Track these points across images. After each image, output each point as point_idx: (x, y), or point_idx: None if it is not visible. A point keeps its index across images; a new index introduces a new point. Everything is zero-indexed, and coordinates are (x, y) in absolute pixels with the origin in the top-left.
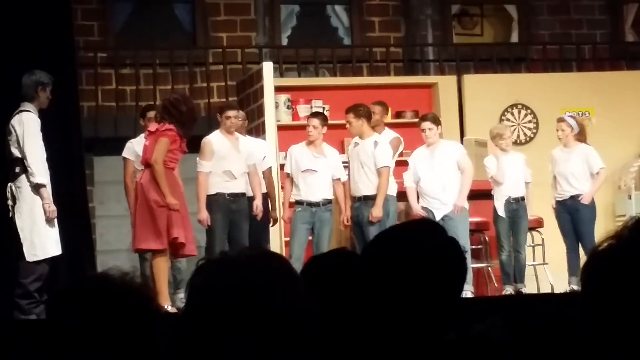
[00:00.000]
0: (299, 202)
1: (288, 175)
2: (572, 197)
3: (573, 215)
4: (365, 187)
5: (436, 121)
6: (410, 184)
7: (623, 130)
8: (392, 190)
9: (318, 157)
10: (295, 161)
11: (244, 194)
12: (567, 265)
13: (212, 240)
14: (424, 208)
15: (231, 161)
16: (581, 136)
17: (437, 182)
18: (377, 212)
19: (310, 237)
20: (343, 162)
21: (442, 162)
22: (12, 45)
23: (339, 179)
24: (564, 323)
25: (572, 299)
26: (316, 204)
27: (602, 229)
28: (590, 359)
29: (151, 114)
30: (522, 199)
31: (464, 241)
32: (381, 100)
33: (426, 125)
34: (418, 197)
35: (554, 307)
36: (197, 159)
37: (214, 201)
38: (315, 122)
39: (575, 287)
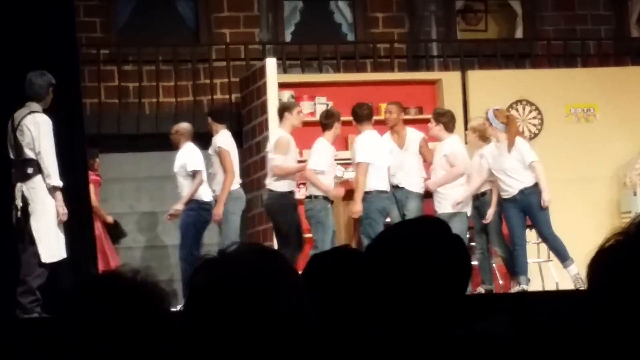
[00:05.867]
0: None
1: None
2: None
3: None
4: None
5: (434, 117)
6: None
7: (628, 126)
8: (384, 186)
9: None
10: None
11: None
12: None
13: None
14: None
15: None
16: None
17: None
18: (354, 207)
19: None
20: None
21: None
22: (15, 42)
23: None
24: (569, 320)
25: (578, 296)
26: None
27: (607, 225)
28: (596, 356)
29: None
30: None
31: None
32: (396, 101)
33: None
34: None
35: (559, 304)
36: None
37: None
38: None
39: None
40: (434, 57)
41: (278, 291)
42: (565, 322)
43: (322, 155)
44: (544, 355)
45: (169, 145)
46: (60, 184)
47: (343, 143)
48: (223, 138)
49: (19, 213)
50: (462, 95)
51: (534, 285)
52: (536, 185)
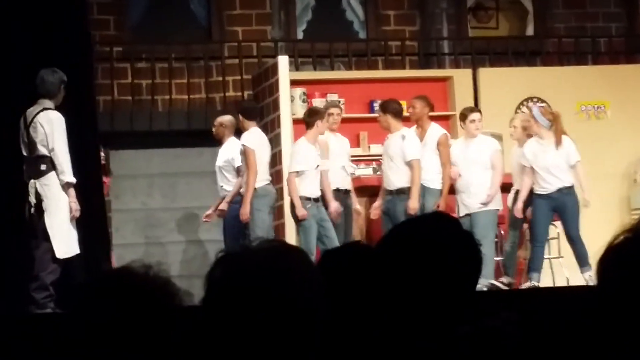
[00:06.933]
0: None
1: None
2: None
3: None
4: (397, 180)
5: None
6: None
7: (638, 123)
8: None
9: None
10: None
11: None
12: (535, 260)
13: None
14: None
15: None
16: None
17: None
18: (413, 203)
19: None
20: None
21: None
22: (29, 39)
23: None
24: (579, 316)
25: (588, 293)
26: None
27: (617, 222)
28: (605, 352)
29: None
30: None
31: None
32: (422, 95)
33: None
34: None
35: (570, 301)
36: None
37: None
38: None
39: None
40: (445, 54)
41: (290, 289)
42: (575, 318)
43: (301, 156)
44: (551, 352)
45: (182, 142)
46: (73, 180)
47: (355, 140)
48: (249, 136)
49: (32, 209)
50: (473, 93)
51: (545, 281)
52: (572, 186)
